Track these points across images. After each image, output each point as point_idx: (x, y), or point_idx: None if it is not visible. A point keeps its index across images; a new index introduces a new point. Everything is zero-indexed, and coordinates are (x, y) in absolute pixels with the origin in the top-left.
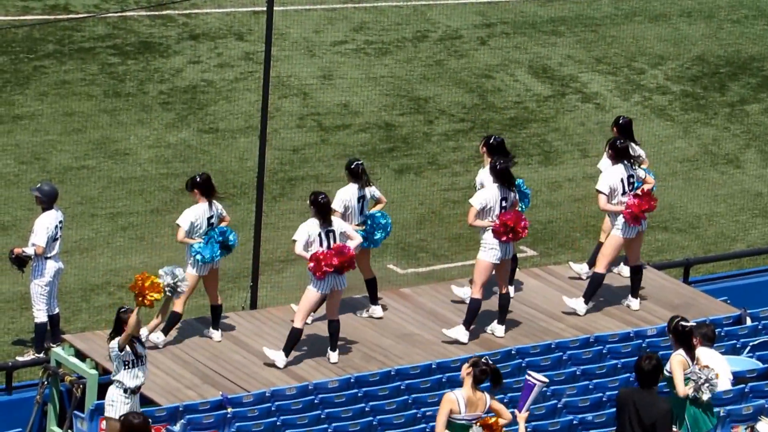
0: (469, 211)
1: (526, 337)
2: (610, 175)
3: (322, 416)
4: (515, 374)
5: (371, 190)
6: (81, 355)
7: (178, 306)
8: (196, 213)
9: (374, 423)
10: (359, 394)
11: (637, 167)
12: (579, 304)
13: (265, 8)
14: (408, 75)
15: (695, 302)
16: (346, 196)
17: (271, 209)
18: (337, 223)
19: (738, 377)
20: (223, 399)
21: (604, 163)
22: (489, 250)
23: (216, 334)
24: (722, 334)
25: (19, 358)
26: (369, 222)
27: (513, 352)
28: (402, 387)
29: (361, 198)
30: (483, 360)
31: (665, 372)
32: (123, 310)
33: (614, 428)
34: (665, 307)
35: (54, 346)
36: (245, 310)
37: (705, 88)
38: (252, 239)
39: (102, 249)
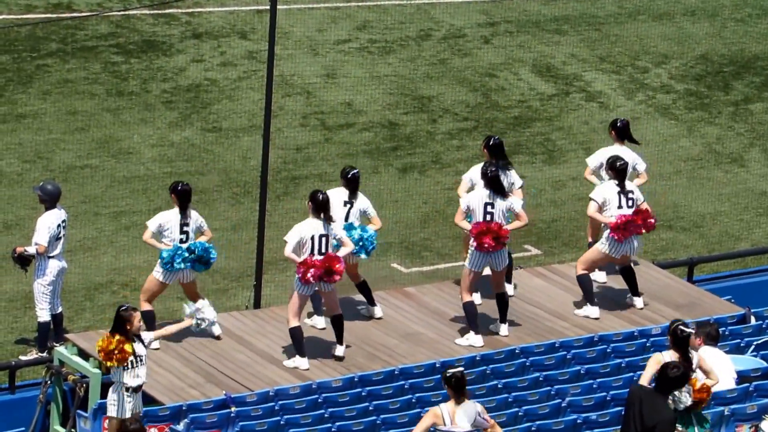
0: (458, 210)
1: (530, 336)
2: (607, 187)
3: (326, 415)
4: (519, 373)
5: (364, 205)
6: (84, 355)
7: (146, 305)
8: (167, 217)
9: (378, 422)
10: (363, 393)
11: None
12: (589, 310)
13: (268, 7)
14: (412, 74)
15: (699, 301)
16: (333, 197)
17: (274, 208)
18: (336, 228)
19: (742, 376)
20: (226, 398)
21: (595, 159)
22: (472, 259)
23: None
24: (726, 333)
25: (23, 357)
26: (361, 237)
27: (517, 351)
28: (406, 386)
29: (348, 204)
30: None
31: None
32: (123, 308)
33: (618, 427)
34: (669, 306)
35: (57, 345)
36: (249, 309)
37: (709, 86)
38: (255, 238)
39: (105, 248)
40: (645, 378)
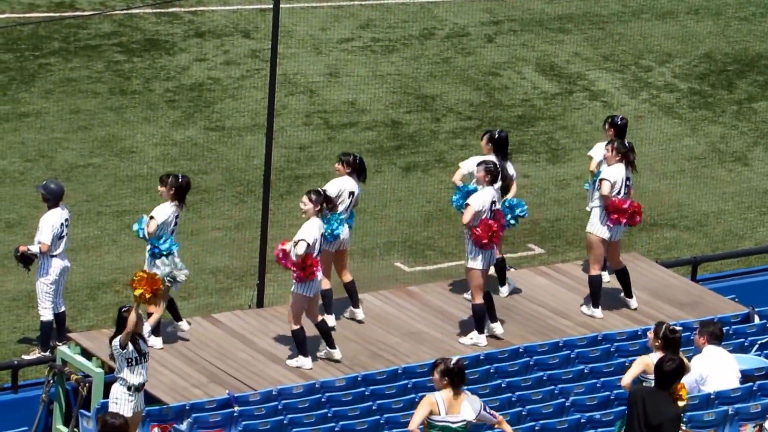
0: (467, 210)
1: (533, 335)
2: (616, 170)
3: (329, 415)
4: (522, 372)
5: (359, 191)
6: (87, 354)
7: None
8: (170, 212)
9: (381, 421)
10: (366, 393)
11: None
12: (593, 311)
13: (271, 6)
14: (415, 72)
15: (703, 300)
16: (343, 185)
17: (277, 207)
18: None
19: (746, 375)
20: (229, 397)
21: (598, 150)
22: (477, 258)
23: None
24: (730, 332)
25: (25, 357)
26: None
27: (521, 350)
28: (409, 385)
29: (352, 194)
30: (448, 361)
31: None
32: (124, 308)
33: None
34: (673, 305)
35: (60, 344)
36: (252, 308)
37: (713, 85)
38: (259, 237)
39: (108, 247)
40: (628, 378)
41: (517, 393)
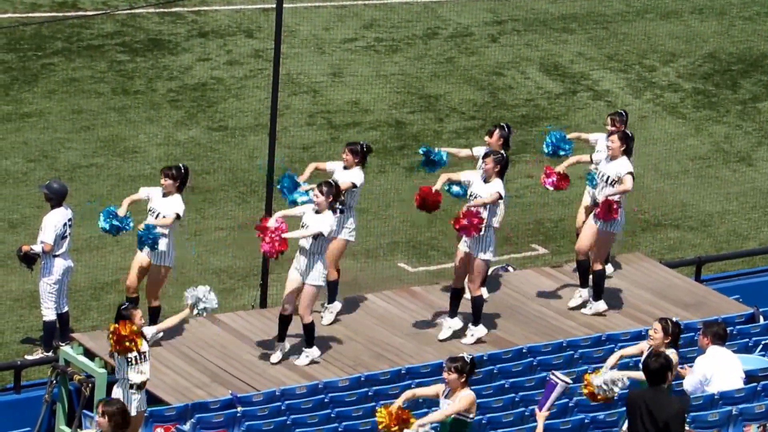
0: (492, 196)
1: (537, 336)
2: (631, 163)
3: (333, 415)
4: (526, 373)
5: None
6: (90, 354)
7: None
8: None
9: None
10: (370, 393)
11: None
12: (598, 305)
13: (274, 5)
14: (418, 72)
15: (707, 300)
16: (357, 178)
17: (280, 207)
18: None
19: (750, 376)
20: (232, 398)
21: (601, 141)
22: (492, 249)
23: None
24: (734, 332)
25: (28, 357)
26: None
27: (524, 350)
28: (413, 385)
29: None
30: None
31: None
32: (124, 306)
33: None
34: (677, 306)
35: (63, 344)
36: (255, 308)
37: (717, 85)
38: None
39: (111, 247)
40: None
41: (521, 393)
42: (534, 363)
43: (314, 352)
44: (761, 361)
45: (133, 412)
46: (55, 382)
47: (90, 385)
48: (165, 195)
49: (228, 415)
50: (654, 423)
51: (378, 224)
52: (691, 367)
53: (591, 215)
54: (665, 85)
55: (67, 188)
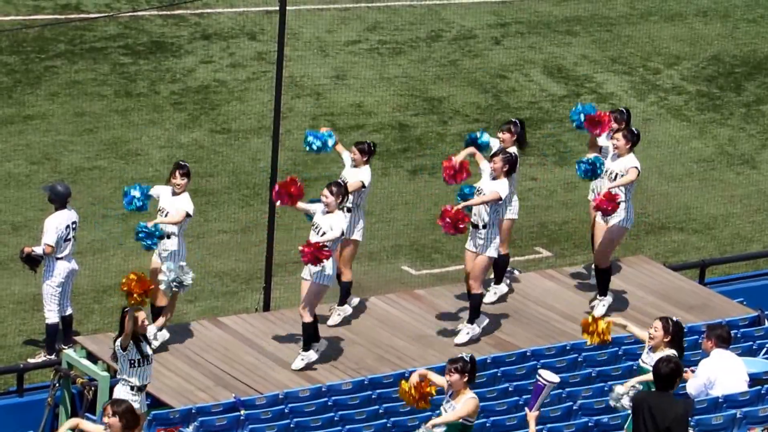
0: (493, 195)
1: (540, 339)
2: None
3: (336, 418)
4: (530, 376)
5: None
6: (93, 357)
7: (163, 301)
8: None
9: (388, 425)
10: (373, 396)
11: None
12: (604, 300)
13: (277, 8)
14: (422, 75)
15: (711, 303)
16: (365, 180)
17: (284, 210)
18: None
19: (754, 379)
20: (235, 401)
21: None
22: (497, 247)
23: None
24: (738, 335)
25: (31, 360)
26: None
27: (528, 353)
28: None
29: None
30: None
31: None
32: (127, 309)
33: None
34: (681, 308)
35: (65, 347)
36: (258, 311)
37: (721, 88)
38: (265, 240)
39: (114, 250)
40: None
41: (524, 396)
42: (537, 366)
43: (311, 355)
44: (765, 364)
45: None
46: (57, 385)
47: (93, 388)
48: (176, 193)
49: (231, 419)
50: (656, 427)
51: (381, 227)
52: (694, 370)
53: (598, 216)
54: (669, 88)
55: (70, 190)
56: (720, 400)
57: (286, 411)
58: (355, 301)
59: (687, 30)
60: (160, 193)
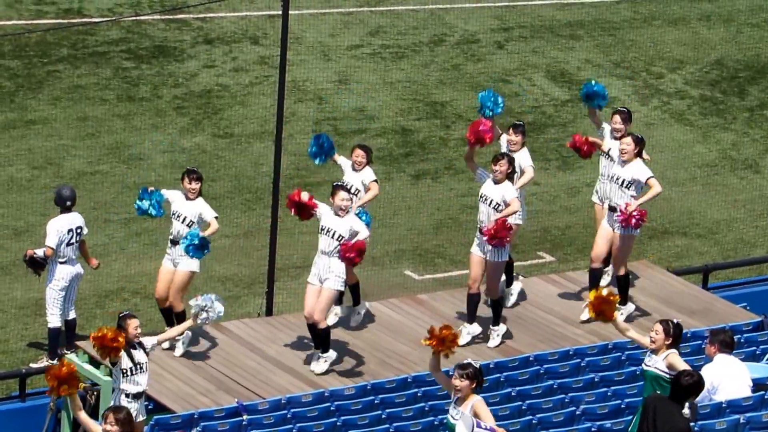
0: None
1: (543, 344)
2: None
3: (338, 423)
4: (533, 381)
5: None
6: (95, 362)
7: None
8: None
9: (391, 430)
10: (376, 401)
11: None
12: (628, 308)
13: (280, 12)
14: (425, 79)
15: (714, 308)
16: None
17: (286, 215)
18: None
19: (758, 384)
20: (238, 406)
21: (606, 129)
22: (508, 250)
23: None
24: (742, 340)
25: (33, 365)
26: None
27: (531, 358)
28: (419, 394)
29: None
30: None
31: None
32: (121, 316)
33: None
34: (684, 313)
35: (68, 352)
36: (260, 316)
37: (724, 92)
38: (268, 245)
39: (116, 255)
40: (634, 334)
41: (528, 402)
42: (540, 371)
43: (332, 355)
44: None
45: None
46: None
47: (95, 393)
48: (190, 198)
49: (233, 424)
50: (656, 431)
51: (384, 232)
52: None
53: (604, 221)
54: (672, 92)
55: (75, 194)
56: (723, 405)
57: (288, 416)
58: (362, 308)
59: (690, 34)
60: (173, 198)
